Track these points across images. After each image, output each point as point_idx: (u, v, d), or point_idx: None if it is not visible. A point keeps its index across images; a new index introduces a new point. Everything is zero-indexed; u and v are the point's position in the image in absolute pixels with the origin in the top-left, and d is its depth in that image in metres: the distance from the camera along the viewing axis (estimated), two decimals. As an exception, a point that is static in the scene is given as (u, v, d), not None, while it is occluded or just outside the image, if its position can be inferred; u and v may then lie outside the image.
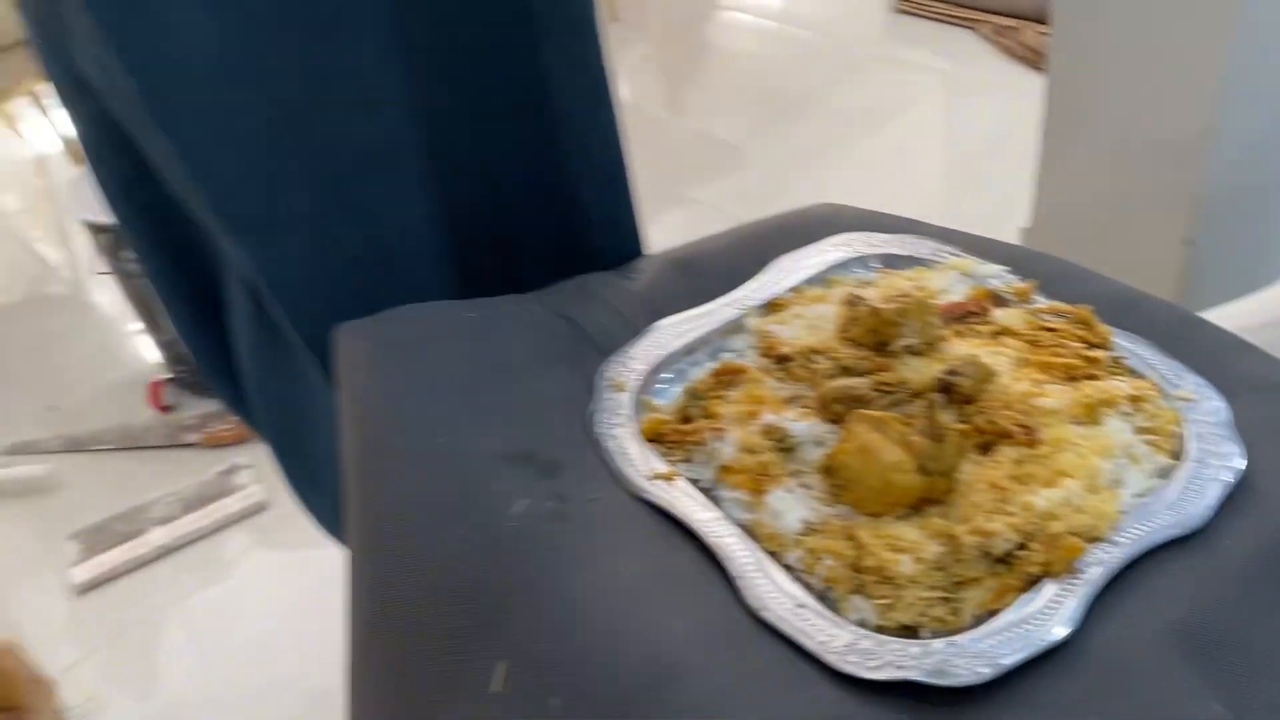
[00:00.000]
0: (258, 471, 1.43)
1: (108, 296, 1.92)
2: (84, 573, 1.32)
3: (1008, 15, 2.28)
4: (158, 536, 1.33)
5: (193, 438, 1.50)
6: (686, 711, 0.43)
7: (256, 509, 1.38)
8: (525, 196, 0.71)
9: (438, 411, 0.56)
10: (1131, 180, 1.24)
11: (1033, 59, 2.15)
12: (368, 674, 0.53)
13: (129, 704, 1.23)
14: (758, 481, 0.53)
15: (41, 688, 1.09)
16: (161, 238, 0.72)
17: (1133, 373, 0.57)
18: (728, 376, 0.60)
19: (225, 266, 0.70)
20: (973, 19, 2.33)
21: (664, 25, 2.68)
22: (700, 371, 0.61)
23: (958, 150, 2.05)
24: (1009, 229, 1.39)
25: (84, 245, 2.02)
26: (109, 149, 0.68)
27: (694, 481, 0.55)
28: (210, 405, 1.57)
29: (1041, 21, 2.20)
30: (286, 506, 1.43)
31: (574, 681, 0.45)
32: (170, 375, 1.60)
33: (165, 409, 1.57)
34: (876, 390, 0.54)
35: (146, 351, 1.70)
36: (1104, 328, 0.59)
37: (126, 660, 1.28)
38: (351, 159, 0.64)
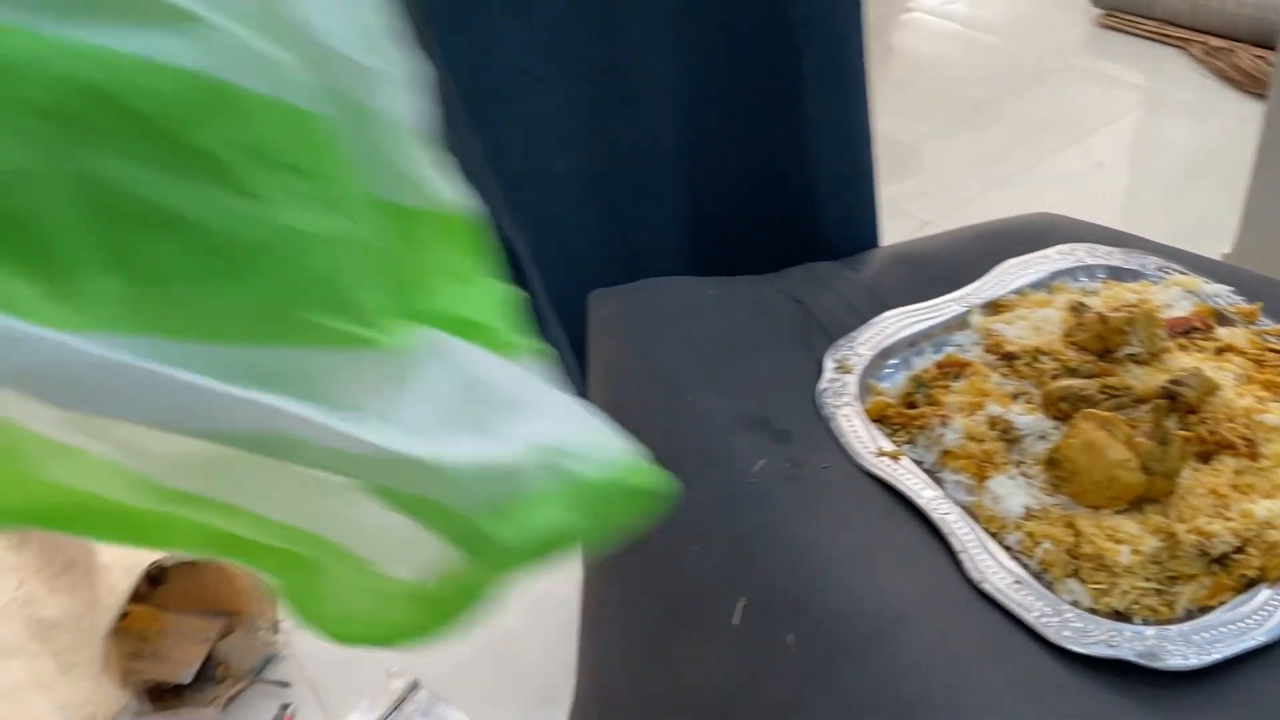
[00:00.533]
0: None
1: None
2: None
3: (1223, 36, 2.20)
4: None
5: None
6: (910, 660, 0.48)
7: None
8: (770, 194, 0.75)
9: (682, 374, 0.62)
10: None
11: (1245, 83, 2.07)
12: (602, 612, 0.60)
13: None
14: (981, 467, 0.57)
15: (259, 595, 1.20)
16: None
17: (1361, 399, 0.59)
18: (952, 368, 0.64)
19: None
20: (1183, 38, 2.25)
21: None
22: (925, 361, 0.66)
23: (1153, 171, 1.99)
24: (1210, 254, 1.36)
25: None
26: None
27: (917, 463, 0.59)
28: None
29: (1259, 45, 2.12)
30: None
31: (808, 622, 0.50)
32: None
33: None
34: (1102, 392, 0.58)
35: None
36: (1332, 353, 0.61)
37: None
38: (617, 157, 0.71)
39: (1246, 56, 2.14)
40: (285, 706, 1.14)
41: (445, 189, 0.32)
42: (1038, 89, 2.22)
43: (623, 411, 0.63)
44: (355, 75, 0.27)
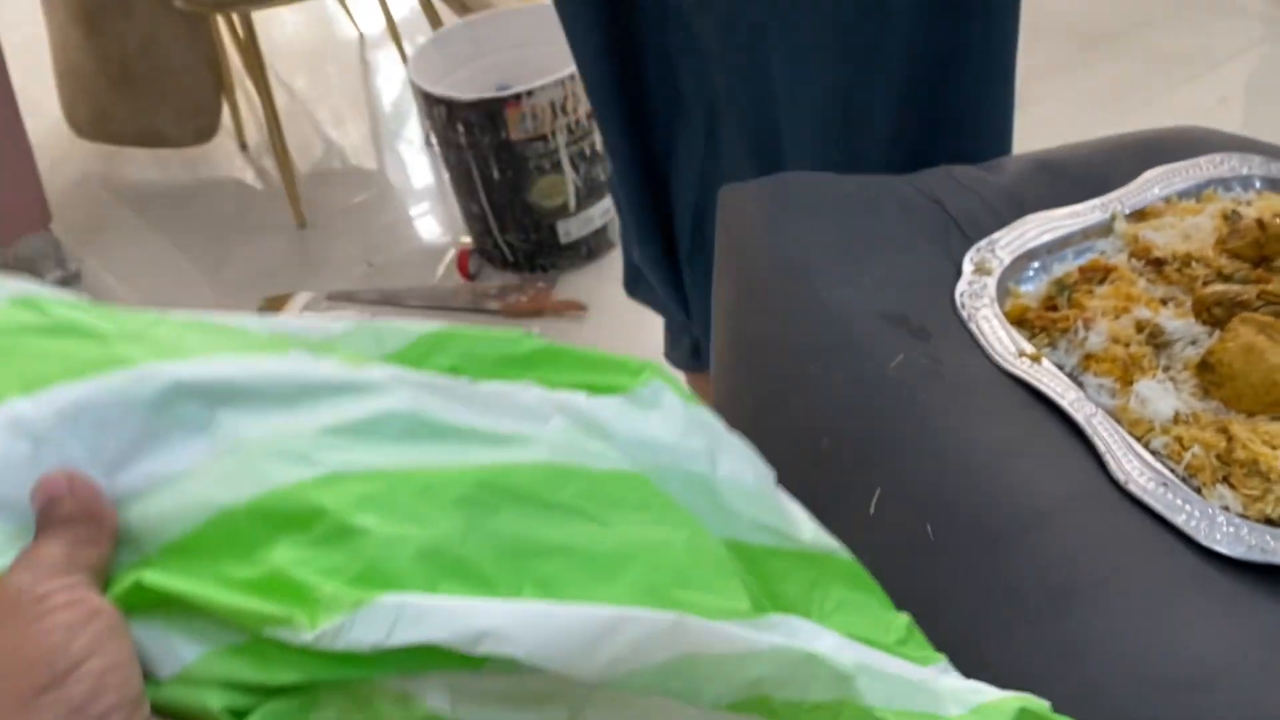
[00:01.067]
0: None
1: (418, 171, 2.10)
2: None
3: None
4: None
5: (493, 305, 1.63)
6: (1055, 554, 0.47)
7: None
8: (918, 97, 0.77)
9: (817, 268, 0.61)
10: None
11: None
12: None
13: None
14: (1126, 371, 0.56)
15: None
16: (618, 76, 0.83)
17: None
18: (1096, 272, 0.62)
19: (680, 119, 0.81)
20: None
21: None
22: (1066, 266, 0.64)
23: (1281, 106, 1.90)
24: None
25: (402, 119, 2.20)
26: None
27: (1059, 366, 0.58)
28: (510, 277, 1.70)
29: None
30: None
31: (947, 514, 0.50)
32: (476, 246, 1.73)
33: (470, 277, 1.71)
34: (1260, 298, 0.55)
35: (455, 223, 1.85)
36: None
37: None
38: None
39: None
40: None
41: (804, 531, 0.39)
42: (1166, 21, 2.12)
43: (754, 303, 0.63)
44: (694, 454, 0.37)
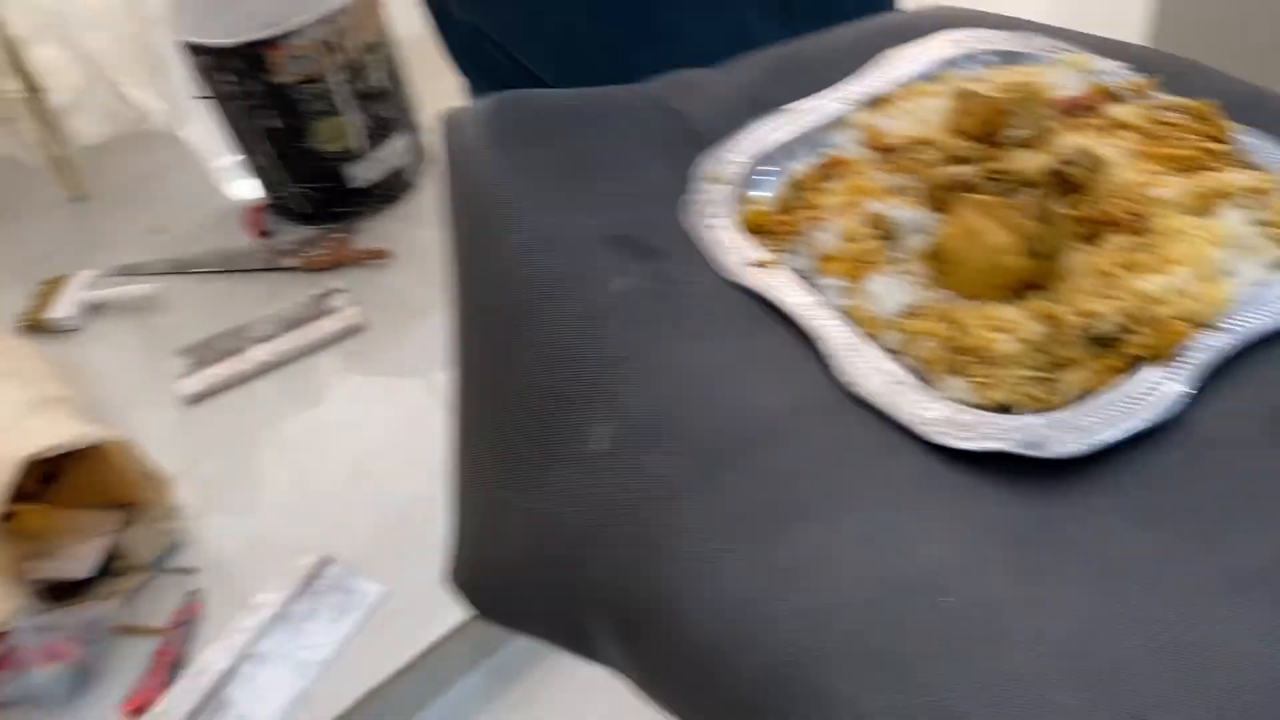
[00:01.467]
0: (354, 295, 1.47)
1: (203, 131, 1.96)
2: (193, 385, 1.39)
3: None
4: (259, 354, 1.39)
5: (290, 262, 1.54)
6: (779, 470, 0.45)
7: (352, 330, 1.43)
8: None
9: (540, 196, 0.57)
10: None
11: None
12: (471, 442, 0.56)
13: (234, 506, 1.30)
14: (858, 268, 0.53)
15: (156, 484, 1.16)
16: None
17: (1254, 167, 0.55)
18: (830, 168, 0.59)
19: None
20: None
21: None
22: (803, 165, 0.61)
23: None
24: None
25: (178, 77, 2.04)
26: None
27: (797, 271, 0.55)
28: (306, 231, 1.61)
29: None
30: (380, 331, 1.48)
31: (673, 440, 0.47)
32: (268, 202, 1.63)
33: (263, 234, 1.61)
34: (986, 178, 0.53)
35: (243, 182, 1.74)
36: (1226, 122, 0.57)
37: (231, 468, 1.35)
38: None
39: None
40: (192, 593, 1.11)
41: None
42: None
43: (478, 237, 0.58)
44: None
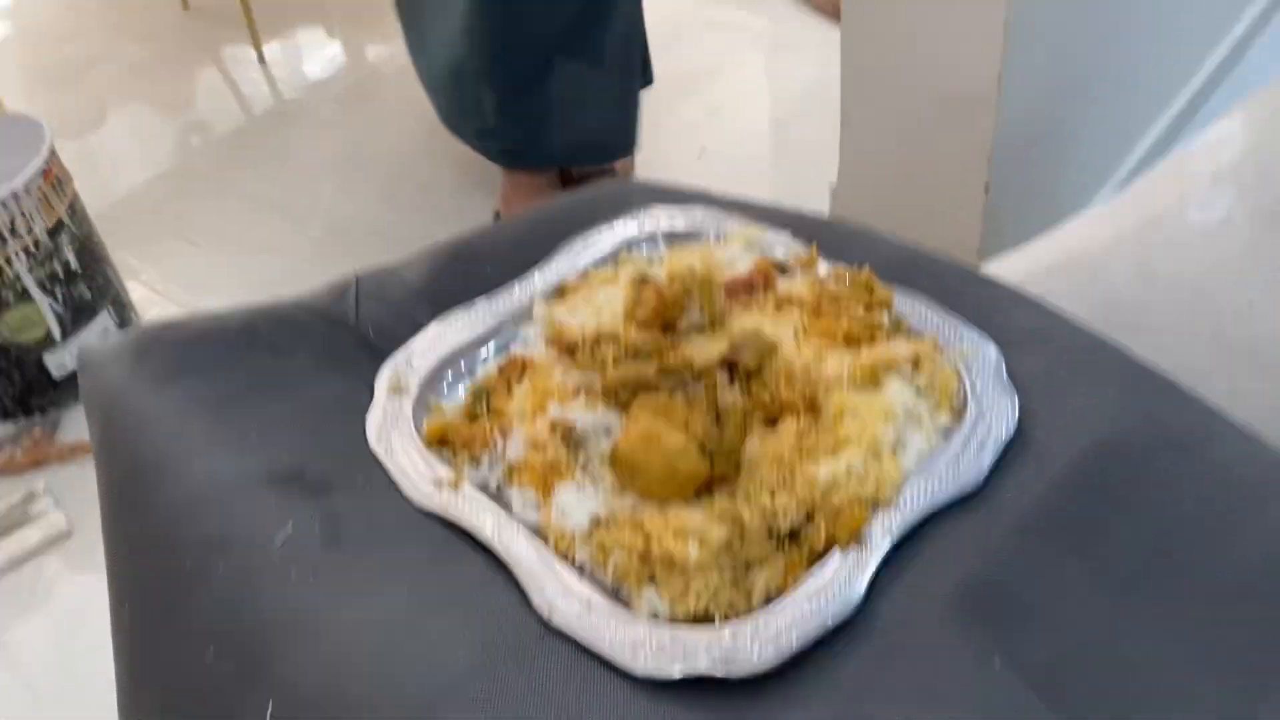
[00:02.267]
0: (57, 497, 1.33)
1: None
2: None
3: (814, -29, 2.31)
4: (-51, 577, 1.22)
5: (-17, 467, 1.38)
6: (471, 730, 0.41)
7: (60, 536, 1.29)
8: None
9: (192, 437, 0.52)
10: (930, 130, 1.27)
11: (840, 12, 2.18)
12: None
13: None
14: (547, 478, 0.51)
15: None
16: None
17: (913, 332, 0.58)
18: (515, 370, 0.57)
19: None
20: (781, -24, 2.34)
21: None
22: (487, 367, 0.59)
23: (772, 110, 2.06)
24: (820, 186, 1.41)
25: None
26: None
27: (482, 486, 0.52)
28: (4, 427, 1.45)
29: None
30: (92, 533, 1.34)
31: (346, 713, 0.42)
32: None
33: (-48, 437, 1.44)
34: (660, 374, 0.53)
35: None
36: (885, 290, 0.60)
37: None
38: None
39: (833, -10, 2.25)
40: None
41: None
42: (669, 45, 2.23)
43: (128, 490, 0.52)
44: None
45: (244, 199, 1.96)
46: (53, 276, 1.36)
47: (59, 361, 1.42)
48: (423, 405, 0.57)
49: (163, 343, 0.55)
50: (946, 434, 0.53)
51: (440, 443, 0.55)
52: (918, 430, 0.53)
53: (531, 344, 0.60)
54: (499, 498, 0.52)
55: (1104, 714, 0.42)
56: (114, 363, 0.55)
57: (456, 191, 1.85)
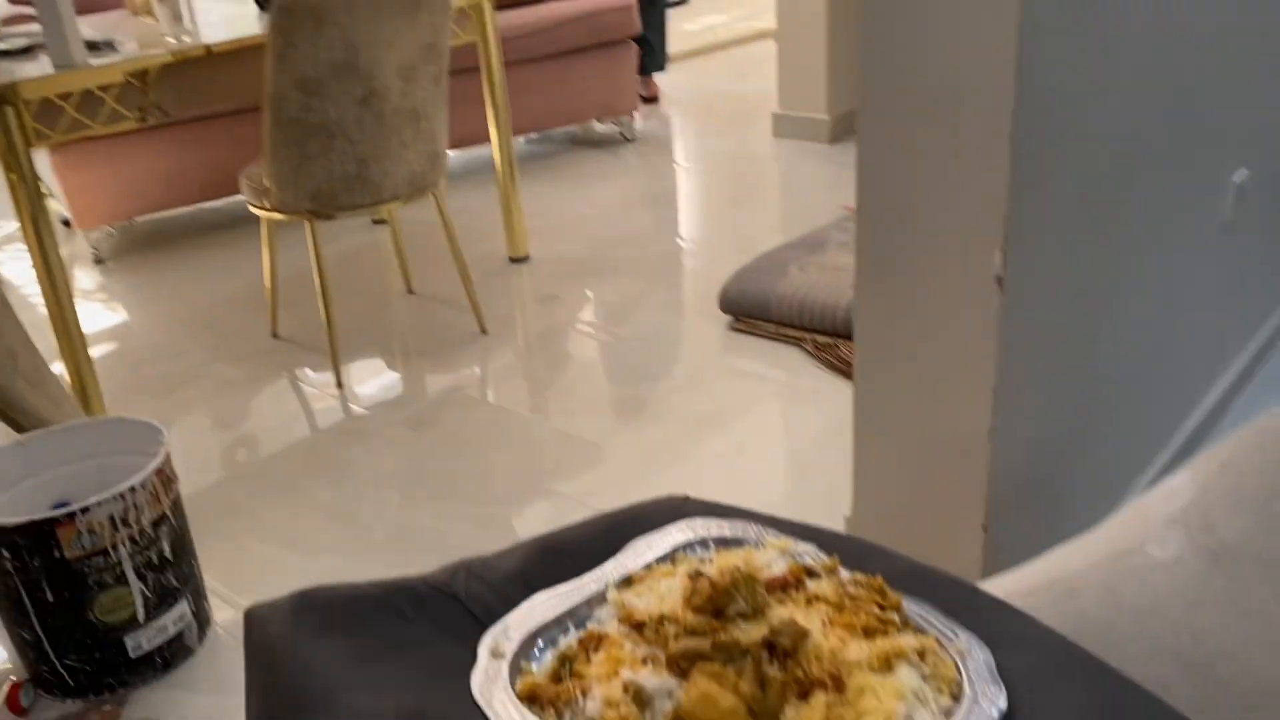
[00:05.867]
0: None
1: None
2: None
3: (826, 333, 2.61)
4: None
5: (43, 742, 1.44)
6: None
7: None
8: None
9: (340, 679, 0.65)
10: (932, 473, 1.44)
11: (848, 370, 2.45)
12: None
13: None
14: (620, 732, 0.63)
15: None
16: None
17: (919, 630, 0.71)
18: (592, 641, 0.70)
19: None
20: (797, 336, 2.64)
21: (527, 338, 2.92)
22: (569, 638, 0.72)
23: (791, 449, 2.27)
24: (836, 516, 1.56)
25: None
26: None
27: (566, 736, 0.64)
28: (69, 706, 1.53)
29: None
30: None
31: None
32: (30, 676, 1.55)
33: (23, 711, 1.51)
34: (714, 649, 0.66)
35: (3, 651, 1.65)
36: (895, 594, 0.74)
37: None
38: None
39: (847, 348, 2.53)
40: None
41: None
42: (693, 387, 2.49)
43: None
44: None
45: (316, 505, 2.13)
46: (148, 564, 1.49)
47: (136, 643, 1.53)
48: (516, 668, 0.69)
49: (316, 605, 0.69)
50: (947, 713, 0.65)
51: (529, 699, 0.67)
52: (924, 708, 0.64)
53: (605, 622, 0.73)
54: (580, 747, 0.63)
55: None
56: (277, 618, 0.68)
57: (504, 503, 2.02)
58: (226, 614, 1.78)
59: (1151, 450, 1.88)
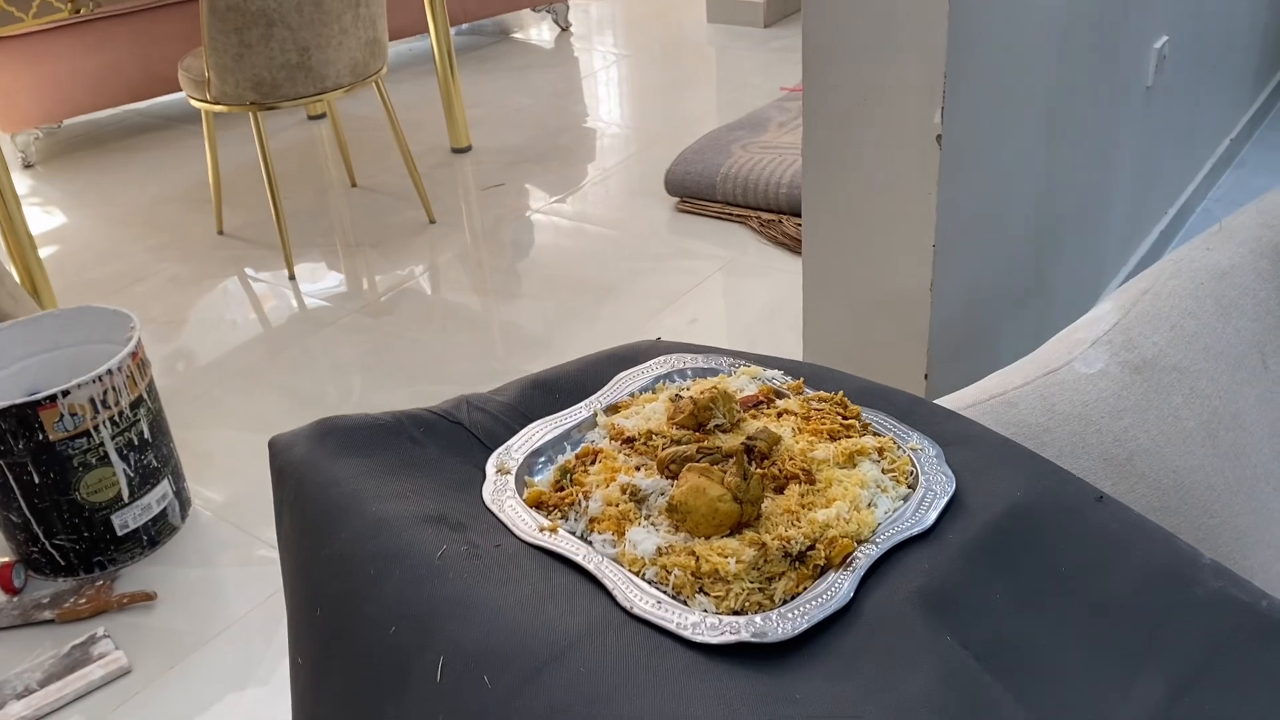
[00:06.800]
0: (119, 639, 1.45)
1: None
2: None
3: (770, 210, 2.68)
4: (17, 710, 1.33)
5: (47, 615, 1.51)
6: (582, 672, 0.60)
7: (120, 673, 1.41)
8: None
9: (365, 491, 0.72)
10: (876, 330, 1.53)
11: (792, 245, 2.53)
12: (320, 696, 0.66)
13: None
14: (619, 524, 0.71)
15: None
16: None
17: (877, 434, 0.80)
18: (588, 456, 0.78)
19: None
20: (742, 215, 2.71)
21: (475, 226, 2.95)
22: (566, 455, 0.80)
23: (741, 321, 2.36)
24: (789, 376, 1.65)
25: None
26: None
27: (571, 532, 0.72)
28: (65, 582, 1.59)
29: (797, 214, 2.60)
30: (150, 670, 1.46)
31: (498, 663, 0.60)
32: (20, 557, 1.61)
33: (15, 591, 1.57)
34: (699, 452, 0.74)
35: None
36: (855, 406, 0.82)
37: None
38: None
39: (790, 224, 2.60)
40: None
41: None
42: (645, 268, 2.56)
43: (314, 530, 0.72)
44: None
45: (282, 392, 2.17)
46: (129, 444, 1.55)
47: (123, 521, 1.59)
48: (521, 481, 0.77)
49: (336, 430, 0.76)
50: (905, 498, 0.74)
51: (535, 505, 0.75)
52: (884, 494, 0.74)
53: (598, 441, 0.81)
54: (583, 540, 0.71)
55: (1020, 675, 0.62)
56: (301, 443, 0.75)
57: (466, 383, 2.08)
58: (206, 495, 1.84)
59: (1086, 303, 2.00)
